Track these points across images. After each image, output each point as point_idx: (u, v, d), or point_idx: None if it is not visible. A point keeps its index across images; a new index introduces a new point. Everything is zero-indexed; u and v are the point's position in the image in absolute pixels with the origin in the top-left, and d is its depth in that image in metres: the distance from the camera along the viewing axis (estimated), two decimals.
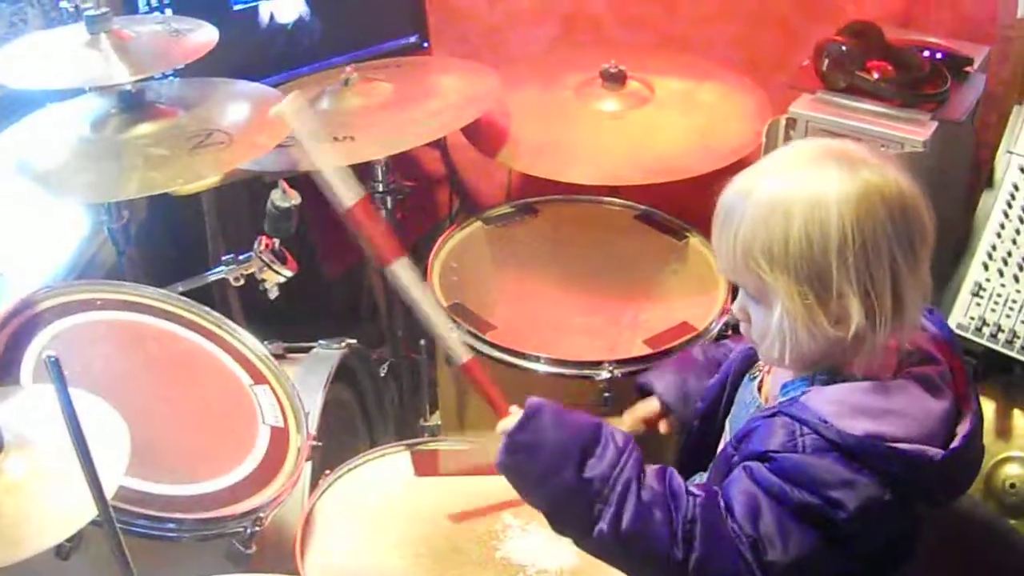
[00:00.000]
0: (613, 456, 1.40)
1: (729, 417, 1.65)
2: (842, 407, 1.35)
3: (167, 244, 2.82)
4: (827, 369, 1.43)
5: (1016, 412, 2.29)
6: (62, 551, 1.44)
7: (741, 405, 1.62)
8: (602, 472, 1.38)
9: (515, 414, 1.47)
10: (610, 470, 1.39)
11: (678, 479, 1.42)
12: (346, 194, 1.44)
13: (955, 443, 1.35)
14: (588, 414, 1.49)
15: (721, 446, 1.63)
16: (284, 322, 2.42)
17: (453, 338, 1.58)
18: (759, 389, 1.59)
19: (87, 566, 1.48)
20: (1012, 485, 2.23)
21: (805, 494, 1.32)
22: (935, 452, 1.33)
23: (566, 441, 1.41)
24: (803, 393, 1.41)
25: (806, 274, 1.32)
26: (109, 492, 1.22)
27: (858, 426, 1.32)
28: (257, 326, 2.26)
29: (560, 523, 1.44)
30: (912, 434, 1.33)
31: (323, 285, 3.26)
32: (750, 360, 1.66)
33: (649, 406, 1.83)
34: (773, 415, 1.40)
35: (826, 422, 1.33)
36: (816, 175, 1.33)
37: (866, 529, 1.34)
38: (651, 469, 1.43)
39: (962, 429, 1.38)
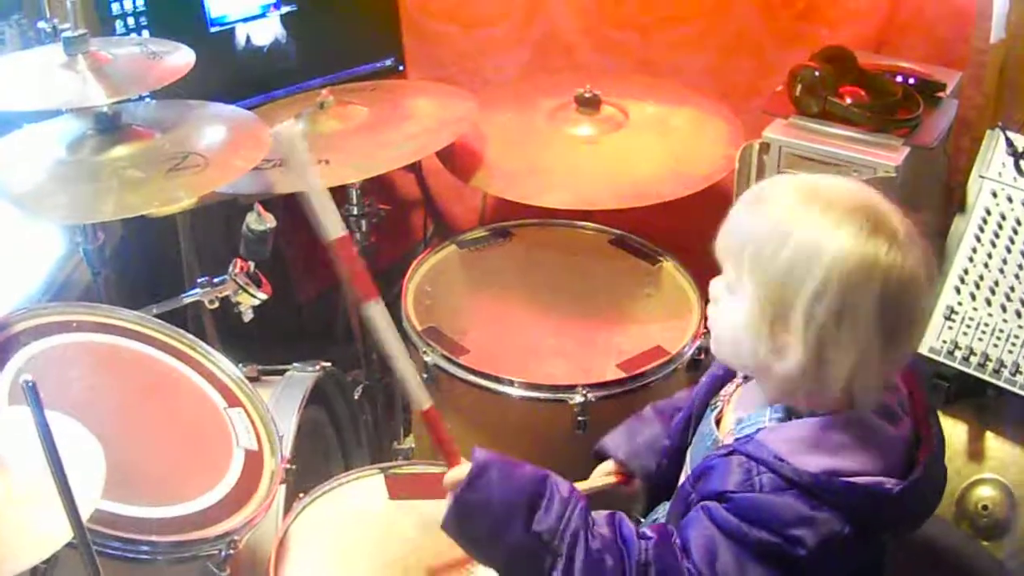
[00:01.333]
0: (559, 508, 1.41)
1: (690, 448, 1.66)
2: (797, 444, 1.36)
3: (142, 265, 2.82)
4: (782, 404, 1.44)
5: (989, 435, 2.30)
6: (37, 572, 1.44)
7: (700, 437, 1.63)
8: (550, 525, 1.39)
9: (463, 467, 1.47)
10: (558, 522, 1.40)
11: (628, 524, 1.44)
12: (332, 226, 1.44)
13: (915, 473, 1.36)
14: (532, 465, 1.48)
15: (681, 479, 1.63)
16: (258, 344, 2.42)
17: (416, 383, 1.57)
18: (717, 423, 1.59)
19: None
20: (985, 507, 2.24)
21: (763, 533, 1.33)
22: (892, 484, 1.33)
23: (513, 497, 1.42)
24: (758, 431, 1.42)
25: (774, 296, 1.34)
26: (84, 515, 1.22)
27: (813, 462, 1.33)
28: (231, 348, 2.25)
29: None
30: (869, 467, 1.34)
31: (296, 308, 3.26)
32: (713, 390, 1.67)
33: (606, 468, 1.83)
34: (729, 453, 1.41)
35: (782, 460, 1.34)
36: (836, 220, 1.32)
37: (826, 564, 1.35)
38: (600, 516, 1.44)
39: (922, 456, 1.39)
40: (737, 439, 1.45)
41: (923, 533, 1.88)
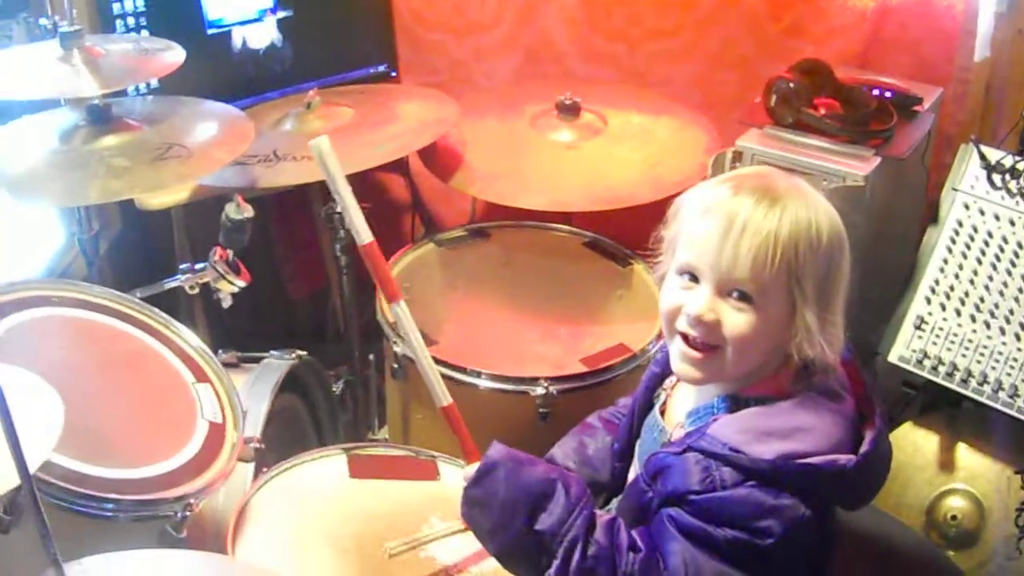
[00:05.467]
0: (563, 512, 1.47)
1: (638, 442, 1.70)
2: (750, 434, 1.41)
3: (138, 256, 2.91)
4: (729, 394, 1.50)
5: (960, 445, 2.35)
6: (2, 524, 1.51)
7: (647, 429, 1.68)
8: (551, 526, 1.46)
9: (476, 464, 1.56)
10: (559, 525, 1.46)
11: (624, 533, 1.48)
12: (362, 232, 1.53)
13: (865, 446, 1.42)
14: (549, 466, 1.57)
15: (631, 475, 1.68)
16: (250, 340, 2.49)
17: (437, 380, 1.64)
18: (662, 413, 1.64)
19: (25, 539, 1.55)
20: (954, 517, 2.29)
21: (730, 531, 1.39)
22: (847, 459, 1.39)
23: (516, 497, 1.49)
24: (709, 423, 1.46)
25: (822, 285, 1.42)
26: (36, 462, 1.31)
27: (769, 449, 1.38)
28: (222, 342, 2.35)
29: (511, 569, 1.53)
30: (822, 446, 1.40)
31: (289, 306, 3.34)
32: (653, 387, 1.72)
33: None
34: (683, 451, 1.45)
35: (737, 451, 1.39)
36: (814, 195, 1.44)
37: (792, 547, 1.40)
38: (601, 521, 1.49)
39: (869, 432, 1.45)
40: (688, 432, 1.50)
41: (890, 542, 1.95)
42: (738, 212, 1.40)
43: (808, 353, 1.42)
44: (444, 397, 1.62)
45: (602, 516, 1.51)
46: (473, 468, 1.55)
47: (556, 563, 1.44)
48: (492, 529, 1.51)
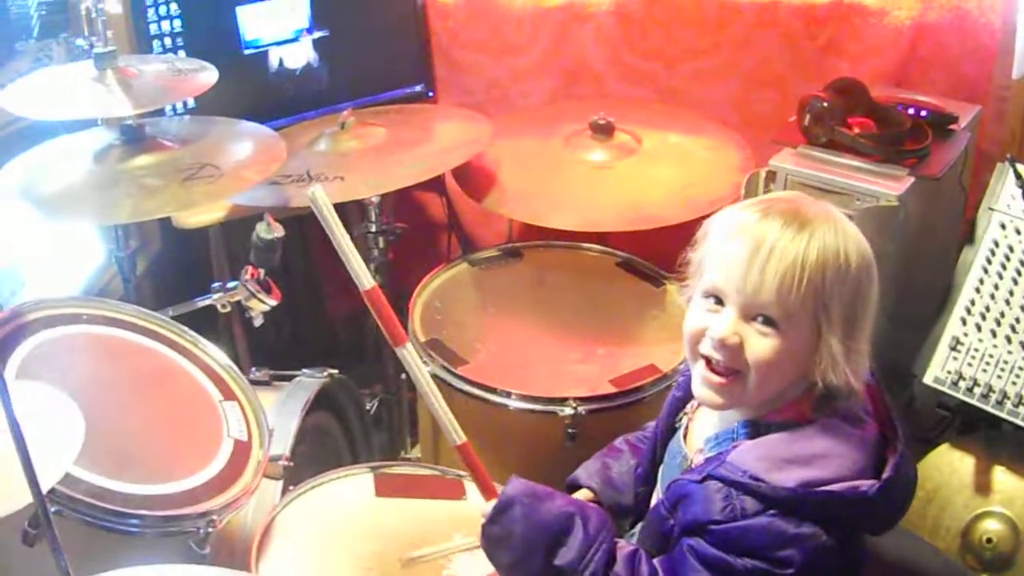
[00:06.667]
0: (583, 546, 1.47)
1: (661, 467, 1.69)
2: (770, 461, 1.39)
3: (177, 275, 2.95)
4: (750, 418, 1.48)
5: (997, 468, 2.30)
6: (28, 538, 1.53)
7: (670, 455, 1.66)
8: (570, 561, 1.46)
9: (494, 501, 1.54)
10: (578, 561, 1.45)
11: (645, 565, 1.47)
12: (363, 278, 1.54)
13: (887, 472, 1.40)
14: (568, 498, 1.56)
15: (653, 501, 1.67)
16: (288, 359, 2.51)
17: (448, 420, 1.62)
18: (684, 438, 1.63)
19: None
20: (989, 540, 2.24)
21: (750, 561, 1.37)
22: (868, 485, 1.37)
23: (536, 533, 1.48)
24: (729, 450, 1.45)
25: (848, 311, 1.40)
26: (53, 478, 1.32)
27: (789, 477, 1.37)
28: (260, 360, 2.36)
29: None
30: (844, 472, 1.38)
31: (328, 325, 3.36)
32: (675, 411, 1.70)
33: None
34: (704, 479, 1.44)
35: (758, 480, 1.38)
36: (842, 224, 1.42)
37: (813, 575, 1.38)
38: (622, 554, 1.48)
39: (892, 457, 1.42)
40: (708, 459, 1.49)
41: (919, 566, 1.93)
42: (765, 236, 1.39)
43: (832, 380, 1.40)
44: (457, 436, 1.61)
45: (623, 548, 1.50)
46: (491, 505, 1.54)
47: None
48: (511, 565, 1.50)
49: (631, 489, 1.79)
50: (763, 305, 1.39)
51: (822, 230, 1.39)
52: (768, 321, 1.40)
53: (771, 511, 1.37)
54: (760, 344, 1.40)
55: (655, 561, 1.48)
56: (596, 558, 1.45)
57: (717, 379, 1.45)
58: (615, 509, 1.79)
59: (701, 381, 1.48)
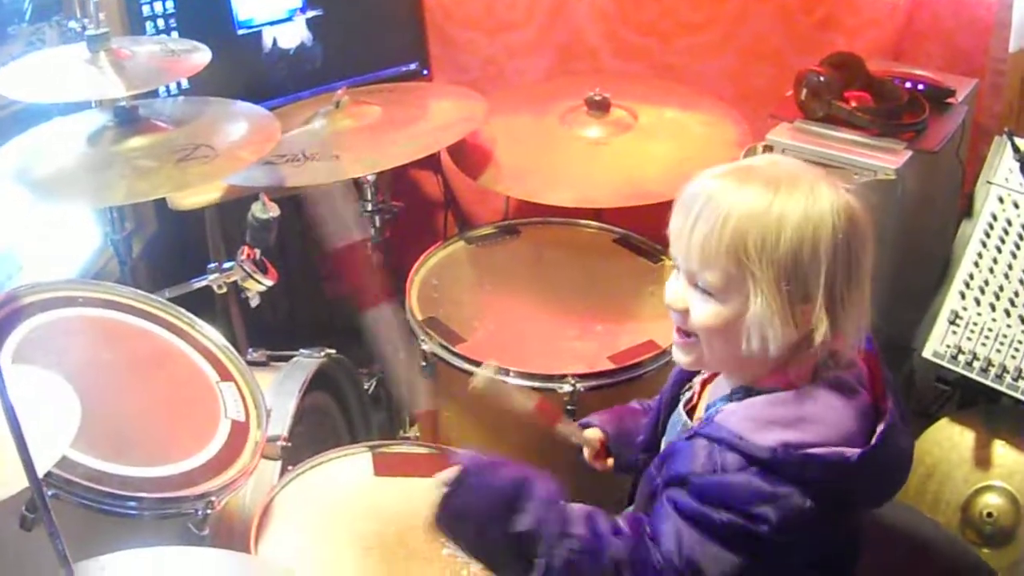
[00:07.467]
0: (538, 509, 1.45)
1: (663, 438, 1.69)
2: (755, 422, 1.39)
3: (173, 257, 2.95)
4: (744, 385, 1.47)
5: (997, 442, 2.31)
6: (26, 522, 1.54)
7: (672, 425, 1.67)
8: (528, 526, 1.44)
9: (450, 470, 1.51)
10: (536, 524, 1.44)
11: (603, 521, 1.47)
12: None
13: (873, 440, 1.38)
14: (513, 467, 1.52)
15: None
16: (286, 339, 2.51)
17: (412, 387, 1.63)
18: (691, 411, 1.62)
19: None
20: (990, 514, 2.26)
21: (726, 514, 1.36)
22: (852, 452, 1.36)
23: (490, 502, 1.46)
24: (718, 412, 1.45)
25: (791, 271, 1.35)
26: (49, 462, 1.32)
27: (770, 437, 1.36)
28: (258, 341, 2.36)
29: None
30: (829, 437, 1.37)
31: (325, 305, 3.35)
32: (680, 383, 1.70)
33: (594, 433, 1.84)
34: (691, 437, 1.44)
35: (741, 438, 1.38)
36: (809, 184, 1.37)
37: (791, 540, 1.37)
38: (577, 515, 1.47)
39: (880, 427, 1.41)
40: (700, 421, 1.50)
41: (920, 540, 1.93)
42: (694, 202, 1.40)
43: (771, 346, 1.38)
44: (419, 403, 1.60)
45: (576, 508, 1.49)
46: (446, 474, 1.51)
47: (541, 562, 1.42)
48: (473, 538, 1.49)
49: (636, 449, 1.80)
50: (696, 272, 1.40)
51: (755, 193, 1.36)
52: (706, 287, 1.40)
53: (752, 469, 1.37)
54: (700, 310, 1.41)
55: (618, 517, 1.49)
56: (551, 519, 1.44)
57: (678, 338, 1.48)
58: (618, 461, 1.81)
59: (673, 342, 1.51)
